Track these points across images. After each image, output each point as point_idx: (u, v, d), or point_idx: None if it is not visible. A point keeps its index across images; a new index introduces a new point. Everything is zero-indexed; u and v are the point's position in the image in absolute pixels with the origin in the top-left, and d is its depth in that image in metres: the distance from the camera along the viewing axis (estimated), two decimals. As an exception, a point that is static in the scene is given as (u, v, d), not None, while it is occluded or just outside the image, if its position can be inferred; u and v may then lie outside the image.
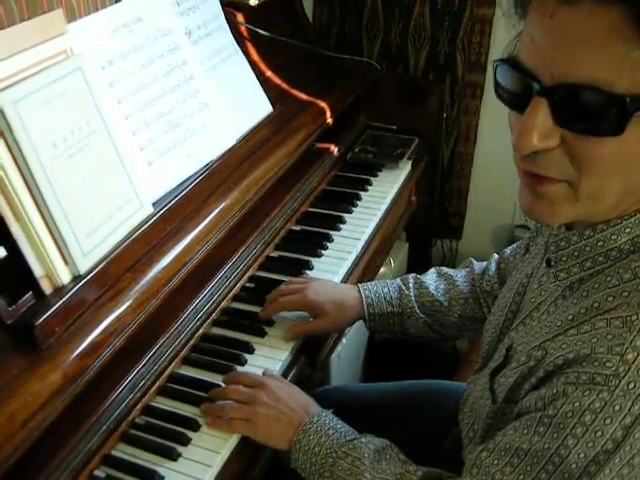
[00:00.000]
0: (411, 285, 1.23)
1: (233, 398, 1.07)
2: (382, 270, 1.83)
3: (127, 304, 1.06)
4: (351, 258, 1.44)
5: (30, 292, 0.96)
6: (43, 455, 0.96)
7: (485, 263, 1.25)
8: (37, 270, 0.97)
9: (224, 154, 1.33)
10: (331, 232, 1.50)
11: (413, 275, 1.26)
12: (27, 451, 0.91)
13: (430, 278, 1.25)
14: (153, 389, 1.12)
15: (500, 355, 0.91)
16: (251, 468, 1.06)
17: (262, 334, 1.24)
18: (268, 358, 1.19)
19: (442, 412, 1.23)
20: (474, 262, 1.26)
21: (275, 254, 1.45)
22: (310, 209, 1.59)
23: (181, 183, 1.24)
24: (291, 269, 1.39)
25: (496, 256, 1.23)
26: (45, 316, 0.94)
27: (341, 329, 1.27)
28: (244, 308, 1.31)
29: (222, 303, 1.30)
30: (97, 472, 1.01)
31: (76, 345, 0.97)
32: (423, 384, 1.33)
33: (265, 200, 1.45)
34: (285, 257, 1.44)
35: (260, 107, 1.45)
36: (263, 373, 1.14)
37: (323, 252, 1.44)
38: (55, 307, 0.96)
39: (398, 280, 1.26)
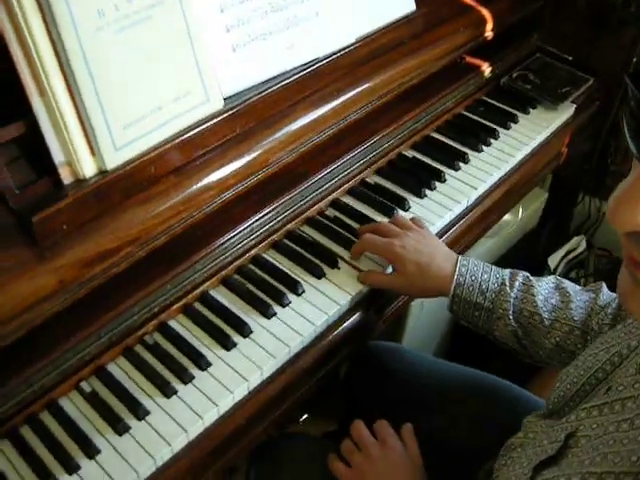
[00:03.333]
0: (517, 284, 0.99)
1: (357, 436, 1.00)
2: (506, 217, 1.57)
3: (159, 211, 0.92)
4: (457, 210, 1.19)
5: (44, 178, 0.84)
6: (31, 351, 0.87)
7: (615, 295, 0.97)
8: (57, 155, 0.83)
9: (336, 53, 1.10)
10: (447, 170, 1.25)
11: (525, 274, 1.01)
12: (15, 345, 0.83)
13: (544, 286, 1.00)
14: (177, 306, 1.00)
15: (557, 440, 0.70)
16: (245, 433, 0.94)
17: (320, 275, 1.07)
18: (325, 298, 1.03)
19: (497, 426, 1.03)
20: (604, 289, 0.99)
21: (372, 180, 1.23)
22: (433, 134, 1.33)
23: (270, 79, 1.03)
24: (382, 204, 1.18)
25: None
26: (50, 210, 0.82)
27: (417, 296, 1.07)
28: (312, 236, 1.13)
29: (289, 225, 1.12)
30: (83, 384, 0.93)
31: (83, 249, 0.85)
32: (491, 382, 1.12)
33: (380, 113, 1.22)
34: (382, 187, 1.22)
35: (399, 3, 1.18)
36: (403, 429, 1.02)
37: (427, 193, 1.21)
38: (66, 201, 0.84)
39: (506, 272, 1.01)
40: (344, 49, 1.11)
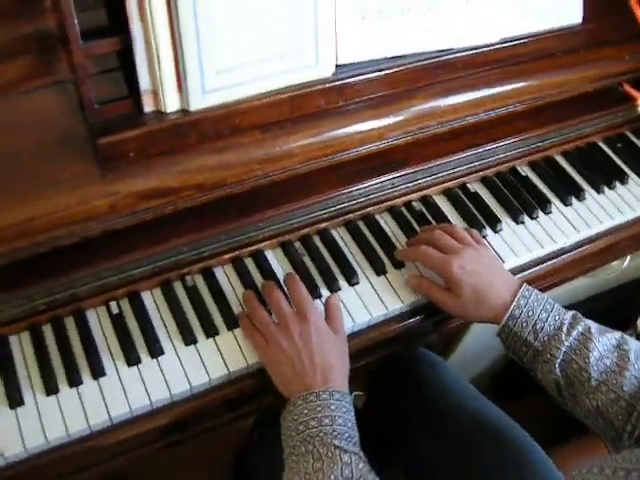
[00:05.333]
0: (575, 333, 0.90)
1: (273, 306, 0.91)
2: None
3: (233, 163, 0.89)
4: (549, 249, 1.08)
5: (126, 100, 0.82)
6: (77, 258, 0.89)
7: None
8: (143, 81, 0.81)
9: (475, 48, 1.01)
10: (556, 202, 1.14)
11: (587, 324, 0.91)
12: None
13: (604, 342, 0.90)
14: (228, 256, 0.99)
15: None
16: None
17: (380, 271, 1.01)
18: (376, 298, 0.99)
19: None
20: None
21: (473, 187, 1.14)
22: (557, 157, 1.21)
23: (394, 57, 0.96)
24: (473, 216, 1.10)
25: None
26: (120, 135, 0.82)
27: (467, 320, 1.00)
28: (381, 228, 1.07)
29: (369, 208, 1.07)
30: (113, 304, 0.93)
31: (144, 181, 0.84)
32: (518, 439, 1.03)
33: (505, 120, 1.11)
34: (480, 198, 1.13)
35: (563, 11, 1.05)
36: (327, 300, 0.94)
37: (525, 220, 1.11)
38: (139, 130, 0.82)
39: (567, 316, 0.92)
40: (485, 46, 1.01)
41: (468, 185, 1.14)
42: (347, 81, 0.93)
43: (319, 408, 0.81)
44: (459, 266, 0.94)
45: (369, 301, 0.98)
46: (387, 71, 0.95)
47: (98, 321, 0.92)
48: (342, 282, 1.00)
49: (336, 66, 0.92)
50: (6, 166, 0.80)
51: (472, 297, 0.94)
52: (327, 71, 0.90)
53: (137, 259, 0.92)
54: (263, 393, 0.93)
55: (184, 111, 0.83)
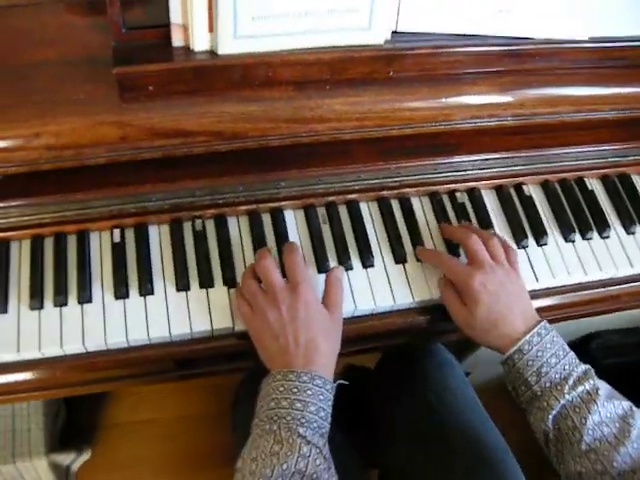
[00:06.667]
0: (580, 389, 0.82)
1: (261, 275, 0.85)
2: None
3: (257, 115, 0.83)
4: (593, 277, 0.98)
5: (156, 29, 0.78)
6: (88, 182, 0.87)
7: None
8: (174, 14, 0.76)
9: (558, 42, 0.89)
10: (617, 227, 1.02)
11: (597, 385, 0.83)
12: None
13: (608, 409, 0.81)
14: (245, 208, 0.95)
15: None
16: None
17: (400, 259, 0.95)
18: (387, 286, 0.93)
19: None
20: None
21: (528, 190, 1.03)
22: (633, 177, 1.08)
23: (460, 36, 0.86)
24: (518, 223, 1.00)
25: None
26: (140, 67, 0.77)
27: (471, 338, 0.92)
28: (415, 213, 0.99)
29: (406, 189, 0.99)
30: (117, 232, 0.91)
31: (159, 117, 0.80)
32: (501, 467, 0.97)
33: (580, 126, 1.00)
34: (532, 204, 1.02)
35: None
36: (330, 271, 0.89)
37: (576, 239, 1.00)
38: (162, 65, 0.78)
39: (579, 370, 0.84)
40: (572, 41, 0.89)
41: (524, 187, 1.04)
42: (402, 52, 0.84)
43: (295, 389, 0.77)
44: (481, 283, 0.87)
45: (378, 288, 0.93)
46: (450, 49, 0.86)
47: (99, 245, 0.91)
48: (355, 261, 0.94)
49: (393, 32, 0.83)
50: (25, 76, 0.78)
51: (484, 319, 0.86)
52: (380, 37, 0.82)
53: (150, 192, 0.89)
54: (246, 356, 0.91)
55: (213, 53, 0.78)
